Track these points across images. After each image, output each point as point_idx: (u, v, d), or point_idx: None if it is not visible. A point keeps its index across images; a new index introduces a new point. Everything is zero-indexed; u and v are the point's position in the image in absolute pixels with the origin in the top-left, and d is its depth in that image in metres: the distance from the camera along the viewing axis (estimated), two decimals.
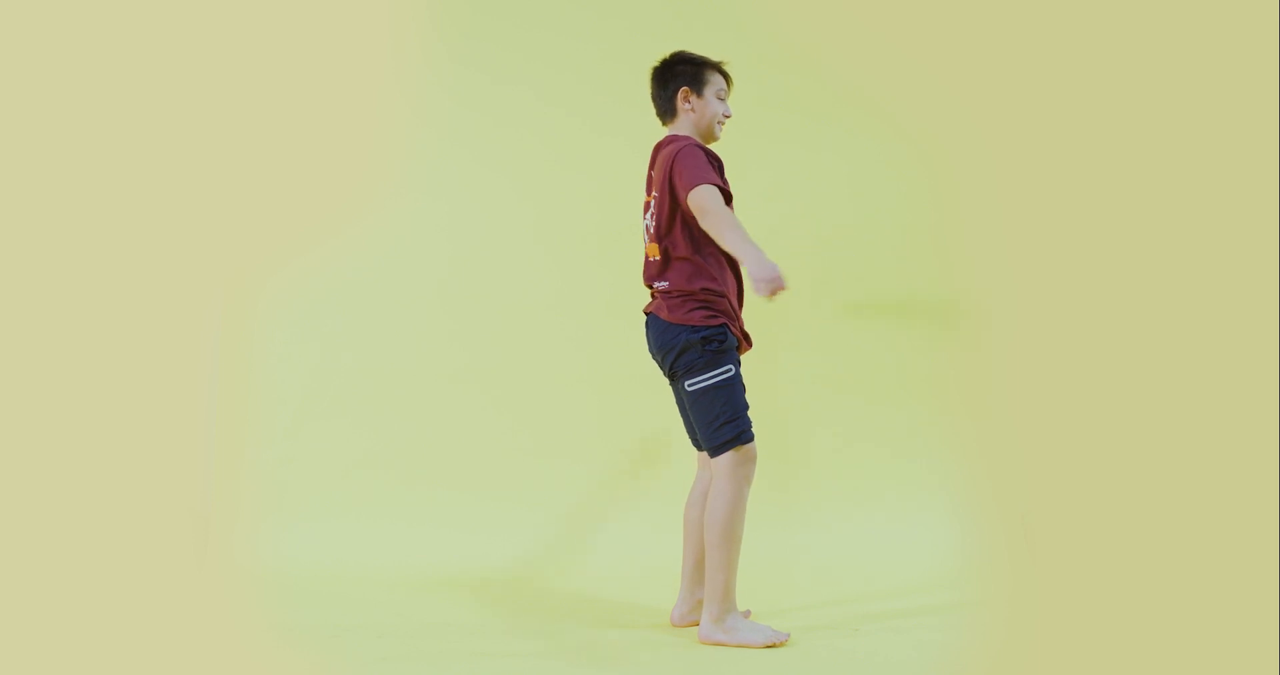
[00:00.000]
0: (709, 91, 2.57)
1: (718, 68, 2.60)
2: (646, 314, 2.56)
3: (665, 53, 2.62)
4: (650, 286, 2.55)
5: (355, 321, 3.49)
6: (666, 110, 2.60)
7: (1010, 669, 2.23)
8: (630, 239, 3.22)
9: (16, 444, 2.31)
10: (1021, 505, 3.41)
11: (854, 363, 3.59)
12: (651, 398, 2.92)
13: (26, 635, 2.13)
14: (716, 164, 2.48)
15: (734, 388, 2.46)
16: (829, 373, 3.56)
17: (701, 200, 2.38)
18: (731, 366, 2.46)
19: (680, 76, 2.57)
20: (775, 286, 2.28)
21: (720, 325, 2.45)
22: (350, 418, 3.44)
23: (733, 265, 2.52)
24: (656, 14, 3.61)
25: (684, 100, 2.56)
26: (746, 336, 2.56)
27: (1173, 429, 2.32)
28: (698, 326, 2.44)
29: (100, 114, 2.61)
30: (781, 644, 2.40)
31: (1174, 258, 2.39)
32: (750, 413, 2.47)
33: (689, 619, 2.61)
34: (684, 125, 2.57)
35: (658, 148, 2.57)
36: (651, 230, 2.52)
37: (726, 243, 2.36)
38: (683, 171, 2.42)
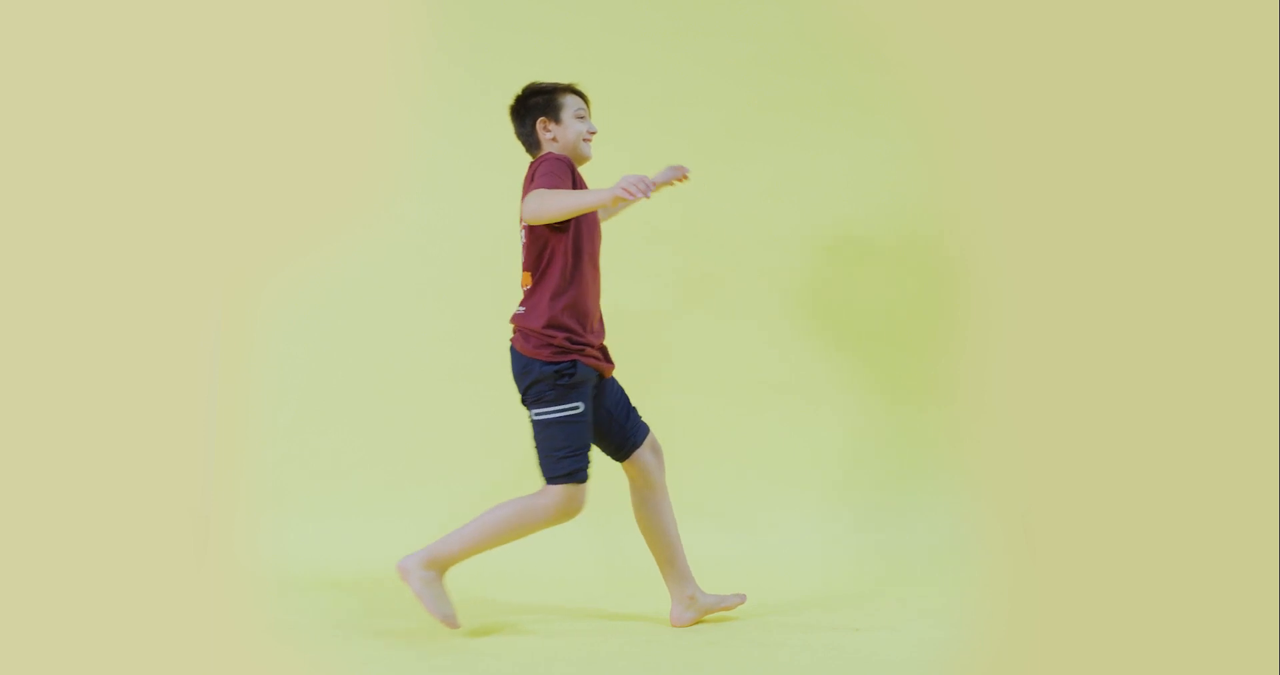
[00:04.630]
0: (566, 115, 2.59)
1: (570, 89, 2.62)
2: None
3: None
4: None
5: (355, 322, 3.49)
6: (530, 144, 2.62)
7: (1010, 669, 2.23)
8: (626, 239, 3.24)
9: (17, 444, 2.31)
10: (1022, 504, 3.41)
11: (854, 362, 3.59)
12: (650, 398, 2.92)
13: (27, 635, 2.13)
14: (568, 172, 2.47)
15: (581, 425, 2.46)
16: (828, 372, 3.56)
17: (531, 206, 2.38)
18: (581, 404, 2.47)
19: (534, 109, 2.60)
20: (643, 185, 2.28)
21: (570, 361, 2.45)
22: (350, 417, 3.44)
23: (595, 286, 2.54)
24: (657, 17, 3.61)
25: (544, 130, 2.58)
26: (606, 357, 2.56)
27: (1174, 428, 2.32)
28: (547, 362, 2.44)
29: (100, 115, 2.61)
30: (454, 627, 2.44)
31: (1176, 257, 2.39)
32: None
33: (687, 618, 2.61)
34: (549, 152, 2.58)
35: None
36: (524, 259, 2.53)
37: (572, 207, 2.35)
38: (523, 195, 2.44)
